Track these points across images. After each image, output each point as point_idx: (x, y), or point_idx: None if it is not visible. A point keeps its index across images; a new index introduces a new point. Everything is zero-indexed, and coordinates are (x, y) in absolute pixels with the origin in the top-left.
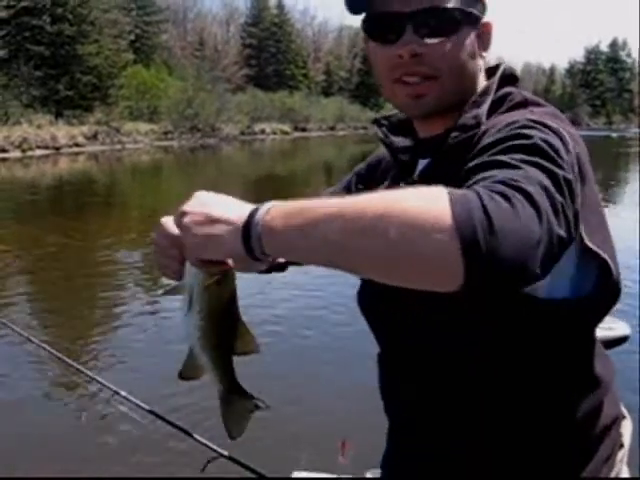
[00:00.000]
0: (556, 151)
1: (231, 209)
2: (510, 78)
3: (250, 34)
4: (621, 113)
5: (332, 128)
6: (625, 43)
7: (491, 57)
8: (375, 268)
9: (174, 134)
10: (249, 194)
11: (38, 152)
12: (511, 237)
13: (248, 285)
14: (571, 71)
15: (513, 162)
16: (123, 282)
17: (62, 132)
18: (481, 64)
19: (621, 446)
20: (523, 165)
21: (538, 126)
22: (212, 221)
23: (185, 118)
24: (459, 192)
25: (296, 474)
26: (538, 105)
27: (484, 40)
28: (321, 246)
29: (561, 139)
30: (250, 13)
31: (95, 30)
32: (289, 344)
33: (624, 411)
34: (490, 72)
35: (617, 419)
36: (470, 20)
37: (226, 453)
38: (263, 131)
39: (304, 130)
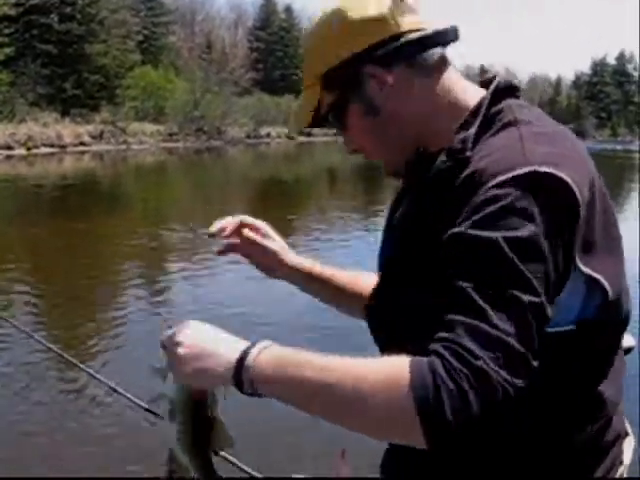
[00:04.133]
0: (526, 255)
1: (224, 347)
2: (508, 90)
3: (258, 38)
4: (626, 126)
5: (337, 134)
6: (632, 56)
7: (498, 68)
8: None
9: (179, 136)
10: (254, 198)
11: (43, 150)
12: (461, 420)
13: (252, 288)
14: (577, 83)
15: (477, 304)
16: (124, 286)
17: (68, 130)
18: (431, 91)
19: (621, 463)
20: (488, 309)
21: (513, 217)
22: (205, 356)
23: (191, 120)
24: (419, 376)
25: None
26: (529, 124)
27: (401, 78)
28: (304, 407)
29: (543, 210)
30: (258, 17)
31: (103, 30)
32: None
33: (627, 427)
34: (486, 84)
35: (619, 437)
36: (354, 93)
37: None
38: (268, 135)
39: (309, 135)
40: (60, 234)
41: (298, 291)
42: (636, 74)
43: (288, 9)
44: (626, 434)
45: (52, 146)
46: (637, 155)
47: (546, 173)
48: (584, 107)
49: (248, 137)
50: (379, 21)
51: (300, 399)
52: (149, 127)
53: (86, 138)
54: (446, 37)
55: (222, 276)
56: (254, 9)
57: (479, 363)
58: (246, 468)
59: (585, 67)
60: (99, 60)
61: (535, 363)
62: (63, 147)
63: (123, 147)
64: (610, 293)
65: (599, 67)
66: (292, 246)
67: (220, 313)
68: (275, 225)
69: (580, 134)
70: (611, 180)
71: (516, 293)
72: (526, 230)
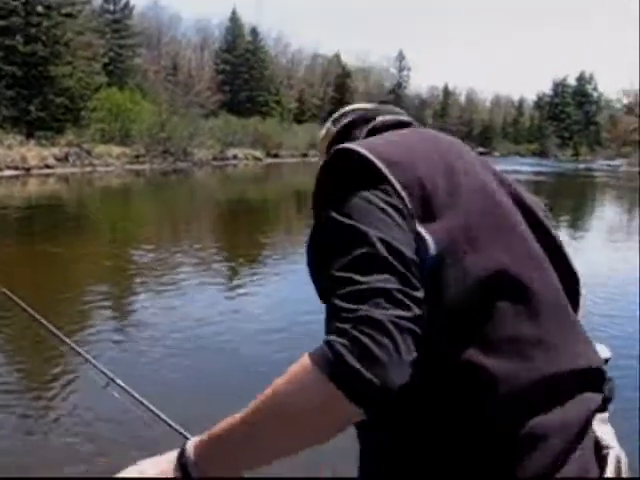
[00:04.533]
0: (340, 246)
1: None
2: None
3: (224, 60)
4: (587, 145)
5: (304, 155)
6: (592, 77)
7: (462, 89)
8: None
9: (146, 158)
10: (221, 218)
11: (7, 172)
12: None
13: (225, 307)
14: (539, 103)
15: (337, 277)
16: (93, 307)
17: (33, 153)
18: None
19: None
20: (348, 275)
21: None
22: (146, 467)
23: (157, 142)
24: (319, 356)
25: None
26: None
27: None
28: (253, 456)
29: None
30: (224, 39)
31: (69, 52)
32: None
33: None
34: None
35: (546, 435)
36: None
37: None
38: (235, 156)
39: (276, 156)
40: (26, 256)
41: (268, 309)
42: (596, 94)
43: (254, 31)
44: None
45: (16, 169)
46: (598, 174)
47: (344, 148)
48: (546, 127)
49: (215, 159)
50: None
51: (246, 452)
52: (115, 149)
53: (51, 161)
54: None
55: (194, 295)
56: (220, 31)
57: (361, 313)
58: None
59: (547, 88)
60: (64, 82)
61: (419, 294)
62: (28, 170)
63: (89, 169)
64: (432, 248)
65: (560, 88)
66: (262, 265)
67: (193, 333)
68: (243, 246)
69: (543, 154)
70: (575, 198)
71: (360, 250)
72: (343, 197)
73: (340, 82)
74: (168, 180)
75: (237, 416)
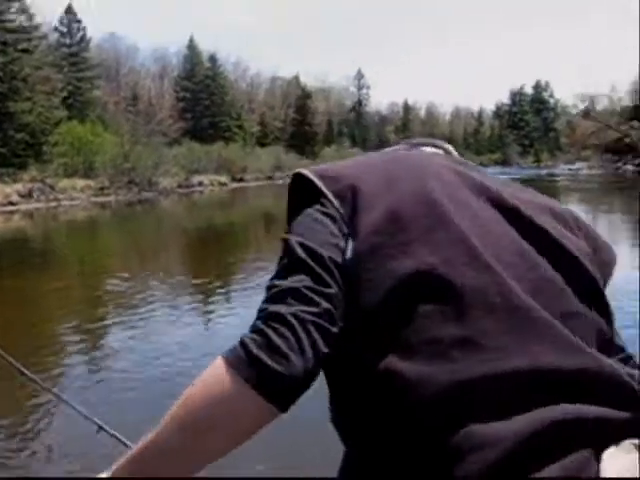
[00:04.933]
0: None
1: None
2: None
3: (184, 87)
4: (548, 151)
5: (270, 177)
6: (547, 84)
7: (422, 103)
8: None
9: (111, 189)
10: (190, 246)
11: None
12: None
13: (192, 335)
14: (498, 113)
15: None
16: (61, 341)
17: None
18: None
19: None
20: (272, 282)
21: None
22: None
23: (122, 173)
24: (231, 354)
25: None
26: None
27: None
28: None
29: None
30: (183, 67)
31: (27, 87)
32: None
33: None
34: None
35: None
36: None
37: None
38: (201, 183)
39: (242, 180)
40: None
41: (243, 330)
42: (552, 101)
43: (212, 58)
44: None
45: None
46: (560, 178)
47: (295, 172)
48: (507, 136)
49: (180, 187)
50: None
51: (164, 468)
52: (79, 182)
53: (15, 197)
54: None
55: (166, 323)
56: (178, 59)
57: (269, 310)
58: None
59: (505, 98)
60: (24, 118)
61: (331, 290)
62: None
63: (53, 204)
64: (350, 250)
65: (518, 97)
66: (234, 289)
67: (168, 361)
68: (213, 271)
69: (505, 162)
70: None
71: (284, 260)
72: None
73: (301, 103)
74: (134, 211)
75: (154, 432)
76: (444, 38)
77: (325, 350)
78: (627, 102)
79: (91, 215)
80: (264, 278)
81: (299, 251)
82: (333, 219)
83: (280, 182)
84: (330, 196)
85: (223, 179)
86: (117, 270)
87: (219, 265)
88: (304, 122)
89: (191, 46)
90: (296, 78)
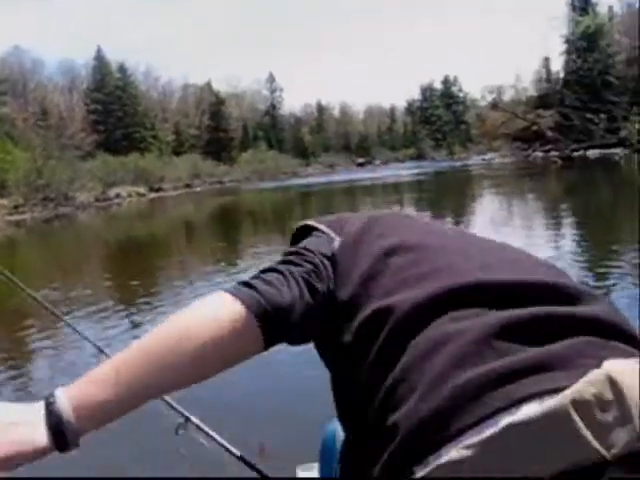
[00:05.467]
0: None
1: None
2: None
3: (94, 100)
4: (460, 144)
5: (188, 185)
6: (456, 79)
7: (335, 103)
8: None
9: (26, 207)
10: (110, 259)
11: None
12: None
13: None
14: (410, 109)
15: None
16: None
17: None
18: None
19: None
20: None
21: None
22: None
23: (36, 189)
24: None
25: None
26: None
27: None
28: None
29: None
30: (92, 79)
31: None
32: None
33: None
34: None
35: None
36: None
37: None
38: (118, 195)
39: (160, 190)
40: None
41: None
42: (462, 95)
43: (122, 68)
44: None
45: None
46: (474, 168)
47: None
48: (420, 131)
49: (98, 200)
50: None
51: (143, 389)
52: None
53: None
54: None
55: (86, 329)
56: (87, 71)
57: (269, 266)
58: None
59: (415, 94)
60: None
61: (316, 259)
62: None
63: None
64: (336, 243)
65: (428, 92)
66: (159, 301)
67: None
68: (137, 281)
69: (420, 157)
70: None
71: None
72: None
73: (214, 109)
74: (52, 227)
75: (130, 354)
76: (351, 38)
77: (310, 301)
78: (532, 92)
79: (6, 234)
80: (185, 283)
81: (302, 250)
82: (328, 238)
83: (199, 190)
84: (324, 228)
85: (141, 190)
86: (40, 285)
87: (143, 274)
88: (219, 128)
89: (99, 57)
90: (208, 84)
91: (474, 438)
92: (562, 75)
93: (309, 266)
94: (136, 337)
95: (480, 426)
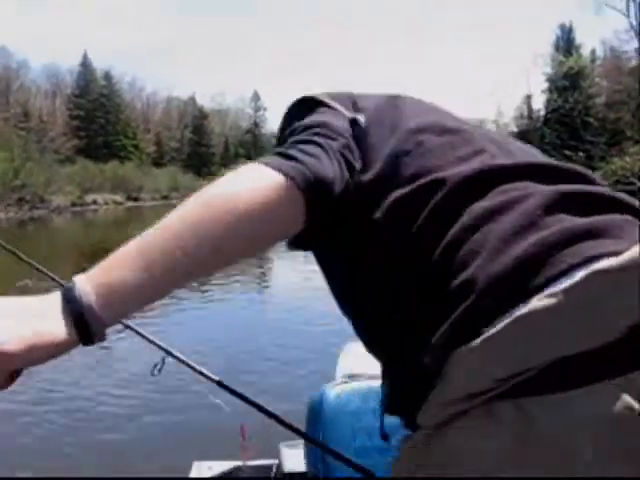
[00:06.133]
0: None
1: (28, 307)
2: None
3: (77, 105)
4: None
5: (166, 197)
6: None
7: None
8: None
9: (0, 207)
10: (83, 263)
11: None
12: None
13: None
14: None
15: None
16: None
17: None
18: None
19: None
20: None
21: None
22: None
23: (12, 189)
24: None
25: (196, 464)
26: None
27: None
28: (178, 278)
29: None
30: (77, 84)
31: None
32: None
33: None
34: None
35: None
36: None
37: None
38: (95, 202)
39: (137, 200)
40: None
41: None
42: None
43: (107, 76)
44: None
45: None
46: None
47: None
48: None
49: (74, 205)
50: None
51: (170, 274)
52: None
53: None
54: None
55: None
56: (72, 77)
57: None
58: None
59: None
60: None
61: (348, 140)
62: None
63: None
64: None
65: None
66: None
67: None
68: None
69: None
70: None
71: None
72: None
73: (197, 124)
74: (25, 230)
75: (155, 234)
76: (342, 60)
77: (347, 175)
78: (513, 127)
79: None
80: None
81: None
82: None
83: (176, 202)
84: (335, 105)
85: (118, 198)
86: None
87: None
88: (201, 143)
89: (85, 63)
90: (192, 99)
91: (556, 288)
92: (543, 113)
93: (343, 140)
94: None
95: (559, 279)
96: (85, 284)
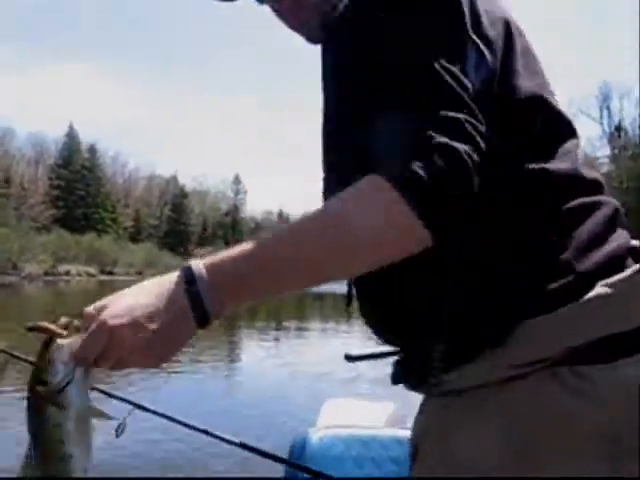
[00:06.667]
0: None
1: (153, 287)
2: None
3: (59, 175)
4: None
5: (140, 273)
6: None
7: (296, 214)
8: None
9: None
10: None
11: None
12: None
13: None
14: None
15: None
16: None
17: None
18: None
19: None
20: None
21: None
22: (152, 309)
23: None
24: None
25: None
26: None
27: None
28: (291, 280)
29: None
30: (60, 154)
31: None
32: None
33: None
34: None
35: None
36: None
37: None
38: (68, 272)
39: (111, 274)
40: None
41: None
42: None
43: (92, 149)
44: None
45: None
46: None
47: None
48: None
49: (47, 274)
50: None
51: (283, 273)
52: None
53: None
54: None
55: None
56: (56, 147)
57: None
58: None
59: None
60: None
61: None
62: None
63: None
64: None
65: None
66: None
67: None
68: None
69: None
70: None
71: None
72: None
73: (177, 202)
74: None
75: (270, 240)
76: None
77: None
78: None
79: None
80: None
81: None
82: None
83: (148, 279)
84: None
85: (92, 270)
86: None
87: None
88: (179, 221)
89: (70, 134)
90: (174, 177)
91: (614, 279)
92: None
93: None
94: None
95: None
96: (202, 269)
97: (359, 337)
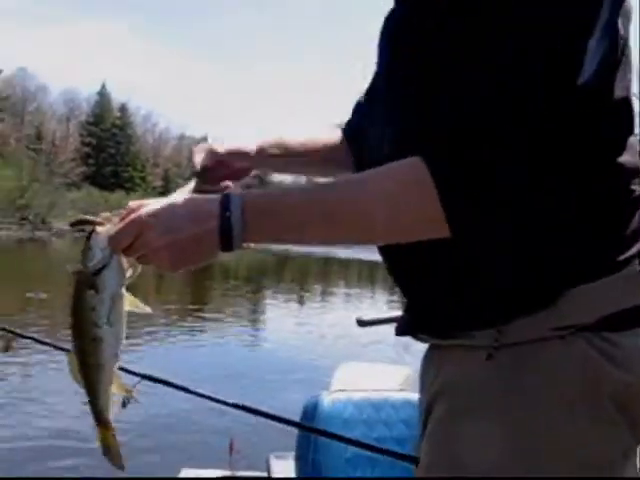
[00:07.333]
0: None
1: (194, 222)
2: None
3: (90, 133)
4: None
5: None
6: None
7: None
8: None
9: (2, 224)
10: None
11: None
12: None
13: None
14: None
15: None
16: None
17: None
18: None
19: None
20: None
21: None
22: (185, 243)
23: (16, 208)
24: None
25: (184, 472)
26: None
27: None
28: (319, 231)
29: None
30: (92, 112)
31: None
32: None
33: None
34: None
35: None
36: None
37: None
38: None
39: None
40: None
41: None
42: None
43: (123, 107)
44: None
45: None
46: None
47: None
48: None
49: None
50: None
51: (313, 222)
52: None
53: None
54: None
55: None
56: (89, 104)
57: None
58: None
59: None
60: None
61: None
62: None
63: None
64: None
65: None
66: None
67: None
68: None
69: None
70: None
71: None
72: None
73: None
74: (23, 248)
75: (307, 193)
76: None
77: None
78: None
79: None
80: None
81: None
82: None
83: None
84: None
85: None
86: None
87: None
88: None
89: (102, 92)
90: (204, 139)
91: None
92: None
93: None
94: None
95: None
96: (240, 209)
97: (383, 301)
